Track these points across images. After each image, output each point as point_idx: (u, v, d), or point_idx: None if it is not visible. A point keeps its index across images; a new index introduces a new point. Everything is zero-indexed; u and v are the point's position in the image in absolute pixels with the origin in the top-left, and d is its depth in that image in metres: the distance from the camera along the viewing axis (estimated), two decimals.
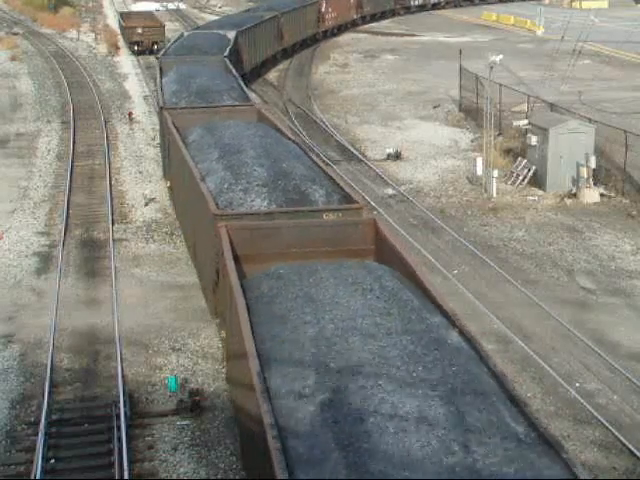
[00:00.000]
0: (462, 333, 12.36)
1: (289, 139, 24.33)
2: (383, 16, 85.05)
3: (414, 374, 10.91)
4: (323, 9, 68.22)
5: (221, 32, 48.80)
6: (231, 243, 16.22)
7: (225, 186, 20.08)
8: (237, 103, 30.10)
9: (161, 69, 36.87)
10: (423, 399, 10.32)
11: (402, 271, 14.88)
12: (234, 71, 36.85)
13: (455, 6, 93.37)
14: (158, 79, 34.86)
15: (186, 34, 50.67)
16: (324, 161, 32.59)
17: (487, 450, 9.53)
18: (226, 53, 41.23)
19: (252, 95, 34.31)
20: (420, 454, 9.39)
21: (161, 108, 29.23)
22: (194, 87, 32.25)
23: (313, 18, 67.00)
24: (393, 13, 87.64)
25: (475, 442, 9.57)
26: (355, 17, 77.91)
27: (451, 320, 12.76)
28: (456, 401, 10.30)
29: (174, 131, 25.56)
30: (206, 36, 47.90)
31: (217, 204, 18.97)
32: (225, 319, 16.48)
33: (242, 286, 14.27)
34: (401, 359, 11.31)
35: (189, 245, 24.61)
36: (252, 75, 51.33)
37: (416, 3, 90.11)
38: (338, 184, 20.28)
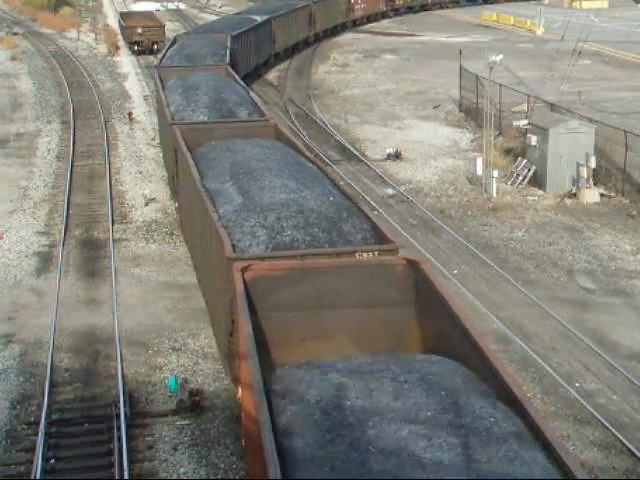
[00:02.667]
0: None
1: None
2: (420, 9, 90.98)
3: None
4: (352, 1, 77.36)
5: (257, 18, 56.38)
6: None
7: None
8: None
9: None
10: None
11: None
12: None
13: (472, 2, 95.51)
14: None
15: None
16: (324, 161, 32.62)
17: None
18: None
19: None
20: None
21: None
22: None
23: (343, 8, 75.68)
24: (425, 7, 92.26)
25: None
26: (385, 9, 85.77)
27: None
28: None
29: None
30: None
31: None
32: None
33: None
34: None
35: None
36: (285, 53, 60.88)
37: None
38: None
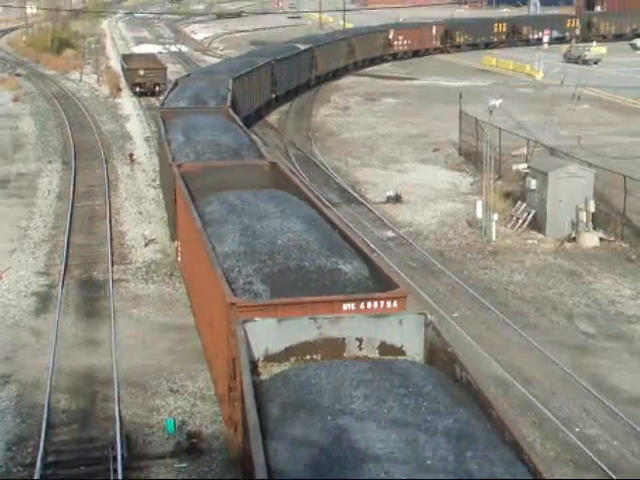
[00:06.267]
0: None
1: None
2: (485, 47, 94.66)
3: None
4: (391, 36, 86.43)
5: (301, 46, 66.63)
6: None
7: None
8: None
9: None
10: None
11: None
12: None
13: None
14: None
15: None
16: (324, 203, 32.67)
17: None
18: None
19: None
20: None
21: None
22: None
23: (382, 43, 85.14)
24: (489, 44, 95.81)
25: None
26: (440, 45, 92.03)
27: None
28: None
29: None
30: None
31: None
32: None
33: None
34: None
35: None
36: (326, 78, 70.52)
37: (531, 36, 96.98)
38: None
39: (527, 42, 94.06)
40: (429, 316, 14.04)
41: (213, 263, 16.91)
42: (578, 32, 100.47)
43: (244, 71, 51.26)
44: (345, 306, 14.74)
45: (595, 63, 77.60)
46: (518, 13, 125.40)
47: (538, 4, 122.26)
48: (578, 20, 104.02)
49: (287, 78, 60.91)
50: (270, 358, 13.56)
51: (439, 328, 13.74)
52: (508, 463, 10.20)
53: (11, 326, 23.50)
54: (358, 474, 9.88)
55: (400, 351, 13.92)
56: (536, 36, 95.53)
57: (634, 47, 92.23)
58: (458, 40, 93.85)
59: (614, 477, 16.32)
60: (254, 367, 13.18)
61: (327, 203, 33.50)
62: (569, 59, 79.51)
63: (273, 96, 58.31)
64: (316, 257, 17.05)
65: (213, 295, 16.96)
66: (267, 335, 13.63)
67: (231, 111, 37.31)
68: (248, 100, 50.75)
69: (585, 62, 77.77)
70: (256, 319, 13.80)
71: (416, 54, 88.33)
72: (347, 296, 15.40)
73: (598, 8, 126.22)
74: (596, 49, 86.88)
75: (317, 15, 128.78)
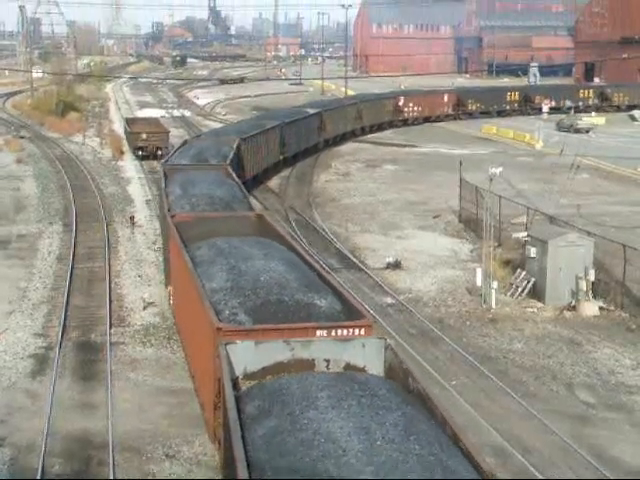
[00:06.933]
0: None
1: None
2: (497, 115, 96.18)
3: None
4: (401, 103, 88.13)
5: (310, 111, 69.26)
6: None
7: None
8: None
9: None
10: None
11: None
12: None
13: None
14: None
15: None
16: (324, 268, 32.67)
17: None
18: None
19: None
20: None
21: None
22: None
23: (390, 109, 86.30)
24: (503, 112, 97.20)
25: None
26: (451, 112, 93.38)
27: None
28: None
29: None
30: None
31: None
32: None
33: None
34: None
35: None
36: (335, 140, 72.93)
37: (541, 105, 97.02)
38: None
39: (539, 111, 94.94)
40: (388, 340, 16.14)
41: (202, 297, 18.84)
42: (591, 102, 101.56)
43: (253, 132, 53.56)
44: (318, 332, 16.67)
45: (587, 132, 78.47)
46: (518, 83, 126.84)
47: (538, 75, 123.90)
48: (592, 90, 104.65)
49: (296, 140, 62.69)
50: (249, 376, 15.47)
51: (396, 350, 15.90)
52: (446, 446, 12.34)
53: (7, 388, 23.34)
54: (320, 452, 11.97)
55: (363, 370, 15.84)
56: (548, 105, 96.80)
57: (632, 118, 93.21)
58: (470, 107, 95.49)
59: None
60: (235, 383, 14.90)
61: (327, 269, 33.54)
62: (561, 127, 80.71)
63: (281, 157, 59.73)
64: (294, 292, 19.11)
65: (202, 324, 18.59)
66: (246, 356, 15.54)
67: (229, 168, 38.77)
68: (256, 160, 52.72)
69: (577, 131, 79.04)
70: (237, 341, 15.79)
71: (427, 120, 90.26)
72: (320, 323, 17.30)
73: (597, 79, 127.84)
74: (594, 119, 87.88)
75: (318, 82, 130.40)
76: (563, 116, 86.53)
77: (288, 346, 15.80)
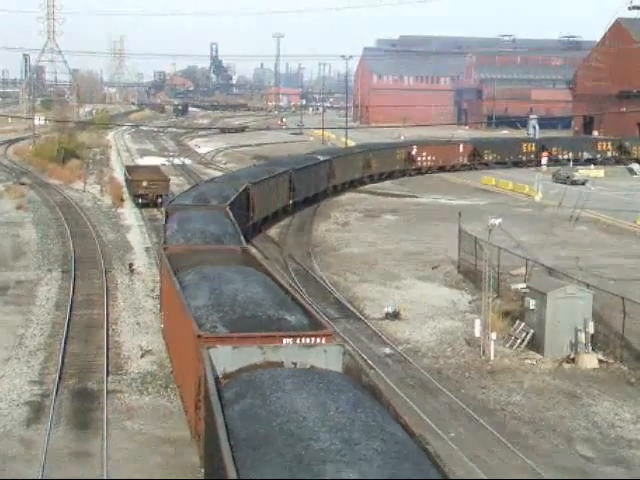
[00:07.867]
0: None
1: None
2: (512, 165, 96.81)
3: None
4: (414, 152, 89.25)
5: (320, 157, 71.41)
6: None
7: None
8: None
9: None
10: None
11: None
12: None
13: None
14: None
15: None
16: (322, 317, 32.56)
17: None
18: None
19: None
20: None
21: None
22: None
23: (402, 158, 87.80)
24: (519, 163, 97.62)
25: None
26: (467, 162, 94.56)
27: None
28: None
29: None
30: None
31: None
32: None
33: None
34: None
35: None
36: (343, 187, 74.97)
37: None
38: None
39: (556, 162, 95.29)
40: (346, 346, 19.14)
41: (187, 312, 21.71)
42: (610, 155, 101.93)
43: (263, 177, 55.98)
44: (285, 340, 19.30)
45: (582, 184, 79.25)
46: (518, 135, 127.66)
47: (537, 127, 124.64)
48: (610, 143, 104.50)
49: (305, 186, 64.58)
50: (227, 376, 17.71)
51: (353, 354, 19.10)
52: (388, 418, 15.06)
53: (1, 436, 23.16)
54: (285, 419, 14.70)
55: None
56: (566, 156, 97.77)
57: (631, 172, 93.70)
58: (487, 158, 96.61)
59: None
60: (216, 382, 16.92)
61: (325, 319, 33.45)
62: (557, 179, 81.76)
63: (291, 202, 61.52)
64: (267, 310, 21.74)
65: (186, 335, 21.29)
66: (225, 359, 17.99)
67: (228, 209, 40.83)
68: (266, 204, 54.89)
69: (574, 182, 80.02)
70: (217, 346, 18.38)
71: (441, 169, 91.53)
72: (287, 332, 20.01)
73: (595, 132, 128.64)
74: (591, 172, 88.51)
75: (318, 131, 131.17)
76: (559, 168, 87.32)
77: (261, 350, 18.33)
